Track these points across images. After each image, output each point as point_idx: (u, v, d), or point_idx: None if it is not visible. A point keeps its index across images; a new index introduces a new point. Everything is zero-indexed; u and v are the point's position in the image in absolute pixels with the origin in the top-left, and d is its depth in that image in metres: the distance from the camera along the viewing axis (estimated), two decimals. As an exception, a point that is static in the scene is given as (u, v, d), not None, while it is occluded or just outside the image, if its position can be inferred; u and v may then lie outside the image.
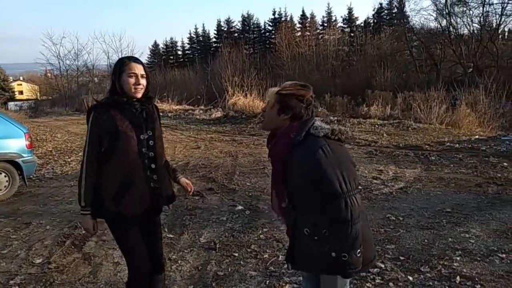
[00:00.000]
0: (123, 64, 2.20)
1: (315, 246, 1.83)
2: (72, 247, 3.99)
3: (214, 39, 51.34)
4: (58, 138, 11.73)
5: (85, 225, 2.22)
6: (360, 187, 1.76)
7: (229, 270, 3.41)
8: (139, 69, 2.21)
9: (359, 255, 1.80)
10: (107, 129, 2.14)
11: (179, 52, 55.24)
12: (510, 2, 25.99)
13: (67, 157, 8.88)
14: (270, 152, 1.95)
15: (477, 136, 9.39)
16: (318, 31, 43.85)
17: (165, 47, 54.91)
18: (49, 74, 34.22)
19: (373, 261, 1.96)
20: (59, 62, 27.55)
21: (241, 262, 3.55)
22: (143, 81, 2.22)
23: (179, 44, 54.97)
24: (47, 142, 10.94)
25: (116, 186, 2.17)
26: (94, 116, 2.16)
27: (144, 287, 2.30)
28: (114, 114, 2.16)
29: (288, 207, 1.87)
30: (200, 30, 52.71)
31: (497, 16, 27.55)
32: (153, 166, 2.25)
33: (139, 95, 2.21)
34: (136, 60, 2.25)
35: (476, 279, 3.08)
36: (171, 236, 4.17)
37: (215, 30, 51.46)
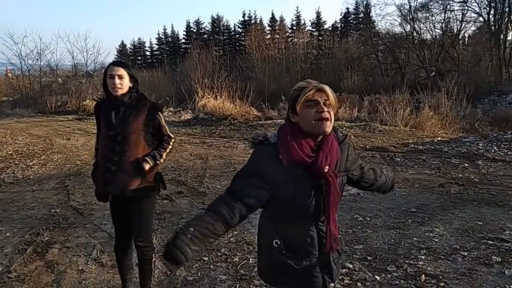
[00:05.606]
0: (107, 68, 2.59)
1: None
2: (34, 254, 3.83)
3: (183, 40, 50.72)
4: (20, 141, 11.24)
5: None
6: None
7: (199, 274, 3.37)
8: (116, 71, 2.53)
9: None
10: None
11: (147, 53, 54.20)
12: (469, 8, 27.23)
13: (28, 160, 8.53)
14: (330, 160, 1.62)
15: (439, 138, 9.69)
16: (287, 34, 44.24)
17: (132, 47, 53.76)
18: (9, 74, 32.73)
19: None
20: (20, 62, 26.34)
21: (211, 266, 3.52)
22: (120, 81, 2.53)
23: (147, 44, 53.91)
24: (8, 145, 10.47)
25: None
26: (95, 109, 2.72)
27: None
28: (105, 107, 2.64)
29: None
30: (169, 31, 52.01)
31: (458, 22, 28.94)
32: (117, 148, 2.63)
33: (119, 93, 2.55)
34: (115, 63, 2.61)
35: (440, 277, 3.19)
36: (139, 241, 4.06)
37: (184, 31, 50.90)
